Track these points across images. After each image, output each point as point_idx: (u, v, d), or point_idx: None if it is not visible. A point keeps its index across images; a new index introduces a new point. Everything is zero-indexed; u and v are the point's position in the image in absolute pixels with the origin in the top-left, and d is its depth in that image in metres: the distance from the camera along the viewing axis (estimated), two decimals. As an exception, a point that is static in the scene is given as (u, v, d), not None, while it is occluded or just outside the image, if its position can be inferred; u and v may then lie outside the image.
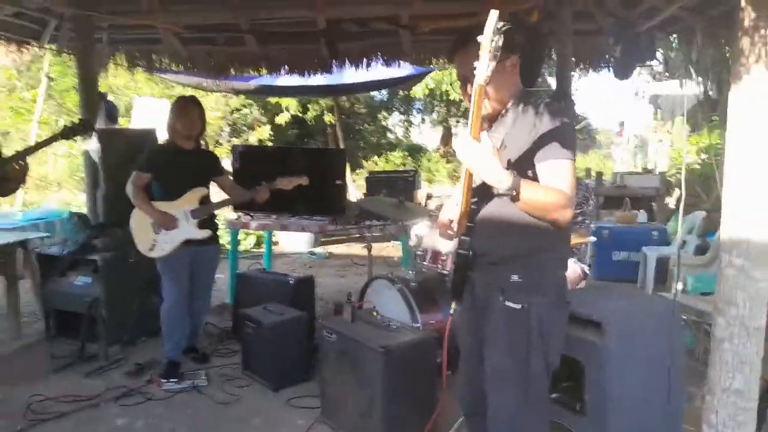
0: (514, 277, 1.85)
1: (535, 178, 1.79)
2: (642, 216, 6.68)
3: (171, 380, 3.48)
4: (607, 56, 4.91)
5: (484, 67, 1.56)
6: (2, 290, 4.50)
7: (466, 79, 1.84)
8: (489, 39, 1.52)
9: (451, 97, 13.22)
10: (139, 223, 3.57)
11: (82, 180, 11.67)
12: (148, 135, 4.54)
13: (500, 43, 1.54)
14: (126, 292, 4.08)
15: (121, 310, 4.04)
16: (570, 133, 1.81)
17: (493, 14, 1.51)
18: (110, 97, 5.37)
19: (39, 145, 3.48)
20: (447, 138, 16.58)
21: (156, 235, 3.53)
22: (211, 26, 4.90)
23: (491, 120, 1.94)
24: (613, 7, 4.20)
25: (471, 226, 1.89)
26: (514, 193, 1.69)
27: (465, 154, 1.68)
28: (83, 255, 4.09)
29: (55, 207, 7.24)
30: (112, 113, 4.96)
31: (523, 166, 1.80)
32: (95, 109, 4.71)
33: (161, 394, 3.38)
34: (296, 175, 3.69)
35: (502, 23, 1.53)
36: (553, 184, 1.75)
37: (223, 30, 4.91)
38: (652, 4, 3.53)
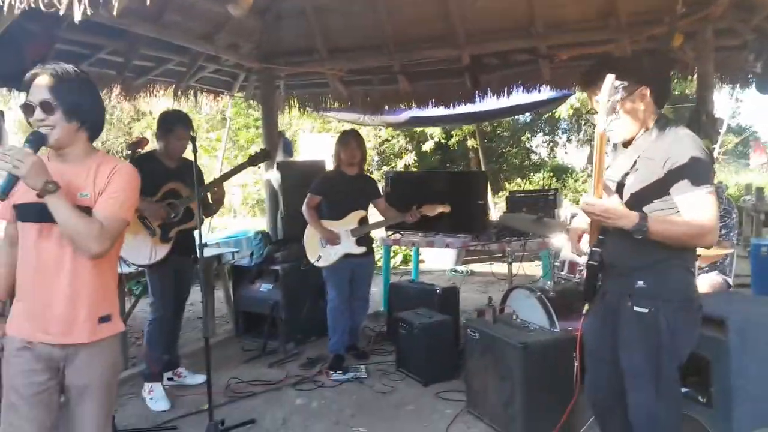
0: (640, 283, 2.03)
1: (665, 206, 1.97)
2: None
3: (337, 371, 4.08)
4: (748, 72, 4.79)
5: (602, 122, 1.81)
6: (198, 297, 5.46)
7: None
8: (606, 99, 1.78)
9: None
10: (310, 238, 4.27)
11: (254, 207, 13.35)
12: (318, 165, 5.32)
13: (618, 98, 1.79)
14: (300, 297, 4.80)
15: (296, 312, 4.77)
16: (705, 164, 1.93)
17: (609, 78, 1.76)
18: (286, 135, 6.32)
19: (232, 172, 4.13)
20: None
21: (322, 248, 4.21)
22: (368, 69, 5.64)
23: (626, 144, 2.15)
24: (759, 22, 4.16)
25: (602, 238, 2.10)
26: (643, 234, 1.89)
27: (594, 214, 1.94)
28: (267, 266, 4.92)
29: (240, 229, 8.49)
30: (288, 148, 5.90)
31: (653, 193, 1.99)
32: (275, 145, 5.63)
33: (330, 383, 3.97)
34: (440, 203, 4.18)
35: (618, 83, 1.78)
36: (694, 216, 1.89)
37: (379, 72, 5.64)
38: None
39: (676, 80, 5.22)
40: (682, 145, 1.97)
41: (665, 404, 2.06)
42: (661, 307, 2.00)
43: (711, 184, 1.93)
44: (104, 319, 1.97)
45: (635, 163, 2.07)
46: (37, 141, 1.84)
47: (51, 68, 1.88)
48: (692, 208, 1.91)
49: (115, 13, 1.88)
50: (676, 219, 1.95)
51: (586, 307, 2.28)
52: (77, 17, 1.87)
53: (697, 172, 1.91)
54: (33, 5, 1.88)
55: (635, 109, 2.05)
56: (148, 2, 1.93)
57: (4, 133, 3.13)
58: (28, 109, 1.87)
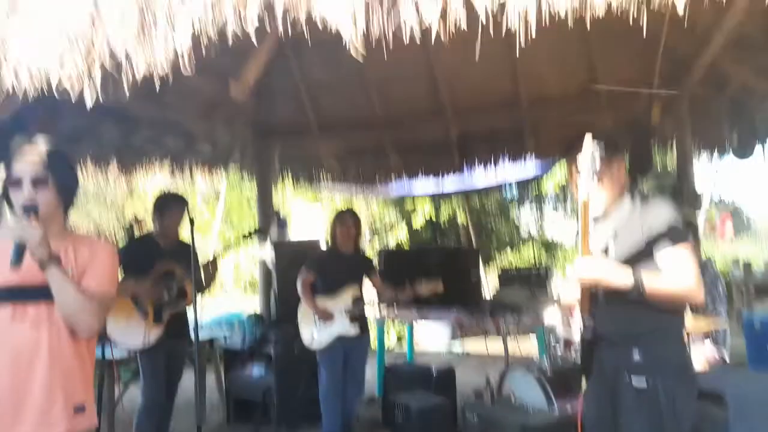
0: (636, 357, 2.04)
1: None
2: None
3: (333, 458, 3.95)
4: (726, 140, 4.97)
5: (584, 186, 1.91)
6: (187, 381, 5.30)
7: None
8: (589, 163, 1.88)
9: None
10: (305, 316, 4.23)
11: (246, 286, 13.23)
12: (313, 245, 5.36)
13: (597, 163, 1.89)
14: (293, 381, 4.66)
15: (289, 396, 4.63)
16: (681, 227, 2.01)
17: (587, 140, 1.87)
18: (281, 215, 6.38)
19: (227, 249, 4.22)
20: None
21: (316, 327, 4.16)
22: (360, 146, 5.86)
23: (603, 215, 2.21)
24: (732, 93, 4.36)
25: (593, 311, 2.10)
26: (639, 291, 1.91)
27: (583, 271, 1.98)
28: (260, 349, 4.83)
29: (232, 310, 8.35)
30: (283, 227, 5.94)
31: (636, 260, 2.02)
32: (270, 220, 5.69)
33: (326, 472, 3.84)
34: (434, 282, 4.22)
35: (598, 146, 1.89)
36: (680, 271, 1.96)
37: (371, 150, 5.85)
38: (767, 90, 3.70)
39: (656, 153, 5.38)
40: (659, 209, 2.06)
41: None
42: (659, 381, 2.00)
43: (688, 243, 1.99)
44: (79, 409, 1.84)
45: (615, 234, 2.13)
46: (33, 211, 1.77)
47: (43, 143, 1.85)
48: (676, 264, 1.97)
49: (127, 98, 1.97)
50: (665, 275, 1.99)
51: (584, 385, 2.24)
52: (89, 104, 1.96)
53: (676, 232, 1.99)
54: (46, 92, 1.96)
55: (613, 179, 2.15)
56: (156, 88, 2.02)
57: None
58: (15, 183, 1.81)
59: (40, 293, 1.78)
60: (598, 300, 2.12)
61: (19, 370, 1.76)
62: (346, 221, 4.31)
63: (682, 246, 1.98)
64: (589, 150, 1.88)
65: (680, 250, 1.98)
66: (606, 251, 2.14)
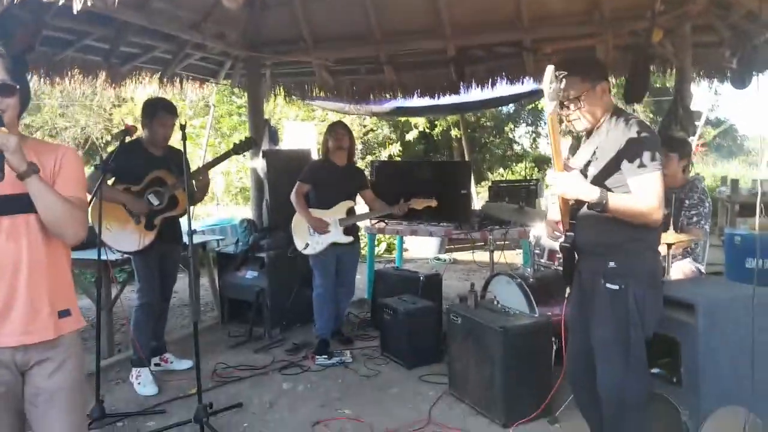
0: (611, 264, 2.24)
1: (621, 183, 2.18)
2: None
3: (323, 356, 4.17)
4: (725, 67, 4.93)
5: (548, 106, 2.03)
6: (184, 284, 5.50)
7: (564, 103, 2.29)
8: (547, 87, 1.99)
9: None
10: (298, 226, 4.33)
11: (237, 195, 13.31)
12: (304, 154, 5.37)
13: (562, 86, 1.99)
14: (286, 284, 4.87)
15: (282, 299, 4.84)
16: (654, 146, 2.17)
17: (549, 69, 1.98)
18: (272, 124, 6.33)
19: (217, 160, 4.08)
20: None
21: (310, 237, 4.27)
22: (355, 59, 5.68)
23: (588, 133, 2.38)
24: (736, 20, 4.29)
25: (573, 223, 2.34)
26: (601, 208, 2.12)
27: (557, 186, 2.18)
28: (252, 253, 4.97)
29: (224, 216, 8.50)
30: (274, 137, 5.91)
31: (611, 172, 2.21)
32: (261, 133, 5.66)
33: (315, 367, 4.07)
34: (428, 197, 4.30)
35: (559, 73, 1.99)
36: (642, 196, 2.14)
37: (366, 62, 5.68)
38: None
39: (656, 74, 5.34)
40: (631, 132, 2.19)
41: (633, 375, 2.23)
42: (630, 284, 2.20)
43: (658, 168, 2.14)
44: (64, 313, 1.85)
45: (594, 152, 2.29)
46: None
47: (1, 48, 1.77)
48: (640, 188, 2.14)
49: (116, 5, 1.91)
50: (629, 196, 2.17)
51: (568, 290, 2.51)
52: (76, 8, 1.89)
53: (644, 154, 2.14)
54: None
55: (596, 102, 2.28)
56: None
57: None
58: None
59: (13, 205, 1.74)
60: (577, 216, 2.32)
61: (1, 283, 1.75)
62: (339, 133, 4.32)
63: (646, 171, 2.14)
64: (549, 71, 1.98)
65: (645, 175, 2.14)
66: (587, 167, 2.30)
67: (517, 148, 17.64)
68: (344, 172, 4.36)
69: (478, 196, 11.25)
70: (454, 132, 13.77)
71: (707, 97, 12.81)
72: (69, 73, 5.01)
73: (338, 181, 4.31)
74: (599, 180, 2.24)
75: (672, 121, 4.48)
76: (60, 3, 1.90)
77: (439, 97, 6.07)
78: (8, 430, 1.81)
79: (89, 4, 1.88)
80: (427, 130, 13.71)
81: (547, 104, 2.02)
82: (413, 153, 14.36)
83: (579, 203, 2.31)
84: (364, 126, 13.62)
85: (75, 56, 4.87)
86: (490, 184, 8.00)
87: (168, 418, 3.30)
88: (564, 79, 1.99)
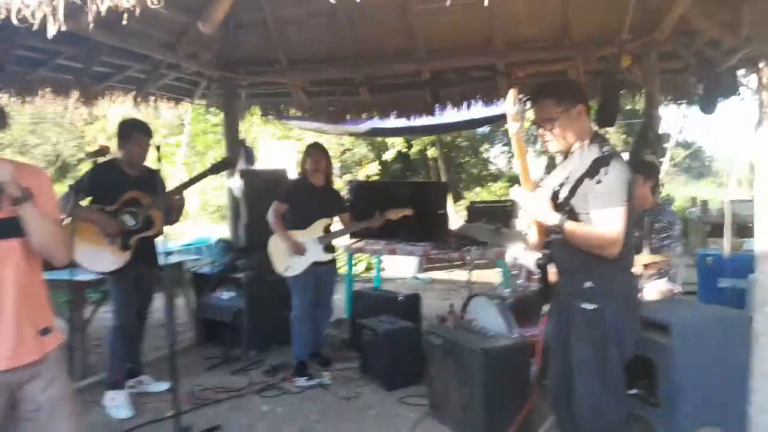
0: (588, 284, 2.25)
1: (586, 219, 2.21)
2: (750, 243, 6.54)
3: (302, 378, 4.13)
4: (692, 93, 5.11)
5: (512, 127, 2.08)
6: (160, 304, 5.41)
7: (539, 125, 2.35)
8: (510, 109, 2.05)
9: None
10: (277, 248, 4.29)
11: (213, 213, 13.18)
12: (280, 174, 5.37)
13: (525, 107, 2.08)
14: (263, 305, 4.81)
15: (259, 320, 4.78)
16: (623, 185, 2.17)
17: (510, 93, 2.05)
18: (247, 143, 6.31)
19: (193, 180, 4.03)
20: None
21: (290, 258, 4.24)
22: (331, 81, 5.72)
23: (564, 155, 2.39)
24: (699, 47, 4.44)
25: (548, 241, 2.35)
26: (560, 230, 2.17)
27: (522, 203, 2.24)
28: (229, 273, 4.92)
29: (199, 236, 8.39)
30: (250, 156, 5.89)
31: (578, 205, 2.24)
32: (237, 153, 5.63)
33: (294, 389, 4.02)
34: (402, 208, 4.35)
35: (522, 96, 2.10)
36: (602, 229, 2.16)
37: (341, 84, 5.72)
38: (732, 45, 3.78)
39: (627, 98, 5.50)
40: (607, 168, 2.19)
41: (610, 395, 2.24)
42: (606, 305, 2.22)
43: (625, 202, 2.16)
44: (45, 331, 1.91)
45: (568, 176, 2.31)
46: None
47: None
48: (602, 222, 2.17)
49: (90, 28, 1.90)
50: (587, 227, 2.20)
51: (546, 308, 2.53)
52: (51, 32, 1.88)
53: (613, 193, 2.15)
54: (2, 18, 1.87)
55: (569, 125, 2.30)
56: (124, 20, 1.95)
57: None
58: None
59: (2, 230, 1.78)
60: (551, 236, 2.34)
61: None
62: (316, 156, 4.34)
63: (615, 207, 2.15)
64: (511, 94, 2.05)
65: (607, 210, 2.16)
66: (560, 190, 2.33)
67: (492, 168, 17.88)
68: (322, 192, 4.37)
69: (456, 215, 11.34)
70: (430, 152, 13.90)
71: (676, 119, 13.21)
72: (40, 91, 4.93)
73: (316, 200, 4.31)
74: (568, 202, 2.27)
75: (642, 145, 4.60)
76: (34, 28, 1.87)
77: (414, 119, 6.14)
78: None
79: (63, 29, 1.87)
80: (405, 150, 13.81)
81: (511, 125, 2.07)
82: (391, 173, 14.43)
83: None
84: (342, 145, 13.66)
85: (47, 75, 4.80)
86: (467, 203, 8.07)
87: (144, 442, 3.23)
88: (528, 102, 2.09)
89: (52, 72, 4.76)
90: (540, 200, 2.22)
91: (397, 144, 13.31)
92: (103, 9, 1.91)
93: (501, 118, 7.56)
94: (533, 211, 2.23)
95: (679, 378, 2.40)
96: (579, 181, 2.24)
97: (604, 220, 2.17)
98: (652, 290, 3.44)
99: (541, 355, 2.55)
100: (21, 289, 1.84)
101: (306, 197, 4.29)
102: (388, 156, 13.54)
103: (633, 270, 2.37)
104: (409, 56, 5.20)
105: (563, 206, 2.26)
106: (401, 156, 14.23)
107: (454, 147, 16.47)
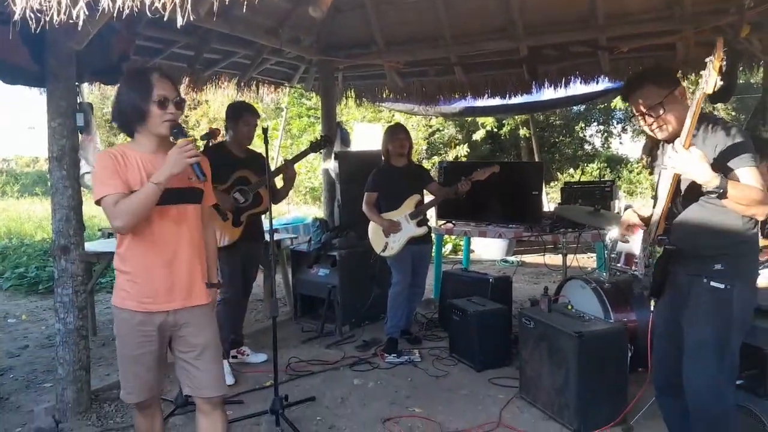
0: (718, 266, 2.17)
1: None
2: None
3: (392, 354, 4.24)
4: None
5: (711, 80, 1.97)
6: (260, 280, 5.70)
7: (642, 113, 2.25)
8: (714, 58, 1.95)
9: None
10: (374, 232, 4.42)
11: (306, 195, 13.65)
12: (374, 155, 5.45)
13: (725, 62, 1.96)
14: (356, 283, 4.98)
15: (352, 296, 4.95)
16: (750, 145, 2.12)
17: (720, 39, 1.96)
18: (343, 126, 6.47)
19: (296, 158, 4.26)
20: (650, 148, 15.65)
21: (387, 238, 4.35)
22: (425, 61, 5.73)
23: (669, 140, 2.26)
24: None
25: (668, 226, 2.26)
26: (722, 191, 2.02)
27: (677, 160, 2.06)
28: (325, 251, 5.11)
29: (295, 215, 8.76)
30: (346, 139, 6.05)
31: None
32: (333, 135, 5.80)
33: (385, 365, 4.14)
34: (489, 167, 4.19)
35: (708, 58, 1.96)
36: (755, 185, 2.06)
37: (436, 64, 5.71)
38: None
39: (742, 70, 5.06)
40: (728, 131, 2.15)
41: (726, 376, 2.17)
42: (737, 284, 2.14)
43: (756, 161, 2.10)
44: (209, 285, 2.31)
45: None
46: (183, 131, 2.15)
47: (164, 70, 2.20)
48: (748, 178, 2.08)
49: (215, 17, 2.03)
50: (743, 184, 2.08)
51: (653, 303, 2.44)
52: (180, 21, 2.04)
53: (748, 152, 2.10)
54: (138, 9, 2.05)
55: (676, 108, 2.22)
56: (243, 8, 2.07)
57: (93, 125, 3.39)
58: (163, 103, 2.10)
59: (181, 196, 2.18)
60: (678, 216, 2.25)
61: (171, 258, 2.17)
62: (398, 135, 4.39)
63: (750, 167, 2.09)
64: (720, 49, 1.98)
65: (749, 170, 2.09)
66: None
67: (588, 147, 17.15)
68: (407, 171, 4.43)
69: (548, 197, 11.03)
70: (522, 131, 13.55)
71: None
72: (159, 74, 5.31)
73: (402, 181, 4.38)
74: (697, 184, 2.14)
75: (759, 121, 4.25)
76: (165, 18, 2.04)
77: (509, 97, 6.02)
78: (159, 377, 2.28)
79: (192, 18, 2.02)
80: (495, 130, 13.56)
81: (709, 78, 1.99)
82: (480, 153, 14.24)
83: (678, 208, 2.25)
84: (430, 126, 13.63)
85: (162, 63, 5.17)
86: (561, 185, 7.82)
87: (245, 408, 3.45)
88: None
89: (166, 60, 5.12)
90: (699, 157, 2.03)
91: (487, 124, 13.07)
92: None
93: (601, 96, 7.27)
94: (691, 169, 2.04)
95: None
96: (714, 161, 2.12)
97: (750, 176, 2.08)
98: (764, 277, 3.22)
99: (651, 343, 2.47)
100: (193, 244, 2.21)
101: (392, 181, 4.37)
102: (477, 136, 13.34)
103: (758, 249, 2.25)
104: (506, 33, 5.08)
105: (692, 190, 2.17)
106: (491, 136, 13.98)
107: (547, 126, 15.95)
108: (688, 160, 2.04)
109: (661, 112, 2.21)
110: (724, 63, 1.92)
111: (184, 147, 2.07)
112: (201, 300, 2.25)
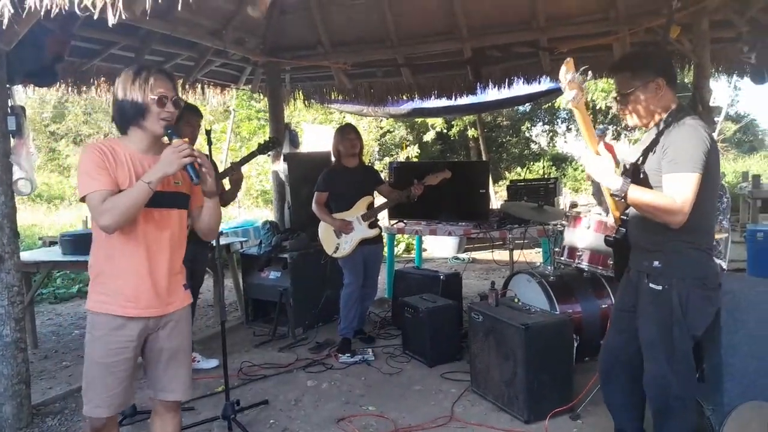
0: (656, 263, 2.22)
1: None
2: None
3: (346, 354, 4.25)
4: (744, 63, 4.92)
5: (567, 95, 2.02)
6: (209, 285, 5.60)
7: (616, 99, 2.32)
8: (563, 78, 2.00)
9: (598, 106, 13.12)
10: (325, 233, 4.41)
11: (257, 198, 13.46)
12: (324, 156, 5.45)
13: (582, 78, 2.00)
14: (308, 285, 4.94)
15: (305, 298, 4.92)
16: (695, 150, 2.08)
17: (566, 62, 1.99)
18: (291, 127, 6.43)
19: (244, 160, 4.16)
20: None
21: (338, 239, 4.35)
22: (372, 62, 5.76)
23: (637, 128, 2.37)
24: (753, 14, 4.28)
25: (624, 218, 2.35)
26: (621, 196, 2.11)
27: (586, 165, 2.19)
28: (276, 254, 5.06)
29: (245, 219, 8.64)
30: (295, 140, 6.02)
31: (655, 175, 2.18)
32: (282, 137, 5.76)
33: (339, 365, 4.14)
34: (441, 171, 4.27)
35: (584, 67, 2.03)
36: (669, 193, 2.09)
37: (383, 65, 5.76)
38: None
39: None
40: (681, 132, 2.14)
41: (678, 375, 2.23)
42: (674, 285, 2.18)
43: (698, 170, 2.07)
44: (186, 286, 2.26)
45: (649, 146, 2.26)
46: (177, 132, 2.11)
47: (165, 69, 2.18)
48: (669, 187, 2.09)
49: (148, 16, 2.00)
50: (651, 192, 2.13)
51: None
52: (111, 20, 1.99)
53: (684, 157, 2.08)
54: (67, 8, 1.99)
55: (647, 99, 2.24)
56: (179, 7, 2.04)
57: (25, 128, 3.25)
58: (161, 101, 2.06)
59: (165, 200, 2.11)
60: (628, 213, 2.32)
61: (151, 263, 2.11)
62: (348, 135, 4.40)
63: (679, 173, 2.08)
64: (564, 68, 2.00)
65: (677, 174, 2.09)
66: (643, 163, 2.28)
67: (534, 146, 17.59)
68: (357, 172, 4.44)
69: (496, 196, 11.27)
70: (471, 132, 13.80)
71: (727, 92, 12.69)
72: (95, 81, 5.17)
73: (353, 182, 4.38)
74: (647, 176, 2.22)
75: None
76: (95, 17, 1.99)
77: (456, 98, 6.13)
78: (128, 393, 2.18)
79: (123, 17, 1.97)
80: (444, 131, 13.76)
81: (567, 93, 2.02)
82: (430, 154, 14.40)
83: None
84: (381, 128, 13.71)
85: (101, 65, 5.02)
86: (508, 183, 8.01)
87: (196, 414, 3.39)
88: (586, 72, 2.02)
89: (105, 62, 4.96)
90: (603, 163, 2.13)
91: (436, 125, 13.26)
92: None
93: (544, 95, 7.50)
94: (596, 173, 2.15)
95: (725, 353, 2.38)
96: (658, 153, 2.17)
97: (672, 184, 2.09)
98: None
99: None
100: (173, 251, 2.16)
101: (343, 181, 4.37)
102: (428, 137, 13.51)
103: (708, 249, 2.26)
104: (451, 35, 5.19)
105: (644, 181, 2.21)
106: (441, 137, 14.18)
107: (494, 127, 16.29)
108: (590, 164, 2.15)
109: (630, 100, 2.24)
110: (573, 77, 1.96)
111: (179, 147, 2.00)
112: (181, 304, 2.23)
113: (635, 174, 2.27)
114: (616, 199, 2.17)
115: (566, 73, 1.99)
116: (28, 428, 3.24)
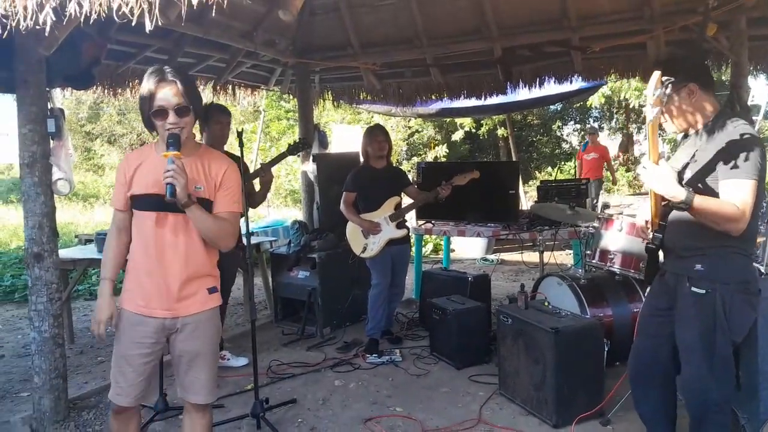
0: (698, 266, 2.19)
1: (716, 191, 2.12)
2: None
3: (373, 354, 4.26)
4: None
5: (650, 112, 1.99)
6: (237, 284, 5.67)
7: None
8: (651, 93, 1.96)
9: (631, 105, 12.88)
10: (353, 233, 4.43)
11: (286, 197, 13.62)
12: (352, 157, 5.47)
13: (667, 92, 1.96)
14: (336, 284, 4.97)
15: (333, 298, 4.95)
16: (757, 157, 2.07)
17: (655, 75, 1.95)
18: (320, 128, 6.48)
19: (274, 161, 4.28)
20: (626, 145, 15.93)
21: (366, 239, 4.36)
22: (401, 63, 5.76)
23: (686, 135, 2.32)
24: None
25: (663, 224, 2.31)
26: (687, 207, 2.05)
27: (646, 176, 2.11)
28: (304, 254, 5.10)
29: (275, 218, 8.74)
30: (324, 141, 6.06)
31: (706, 179, 2.15)
32: (311, 138, 5.80)
33: (366, 365, 4.15)
34: (469, 172, 4.25)
35: (666, 79, 1.97)
36: (729, 199, 2.06)
37: (412, 65, 5.75)
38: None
39: (711, 68, 5.18)
40: (733, 135, 2.12)
41: (717, 381, 2.19)
42: (718, 289, 2.15)
43: (756, 177, 2.05)
44: (212, 290, 2.25)
45: (693, 155, 2.23)
46: (177, 142, 2.05)
47: (176, 74, 2.10)
48: (729, 193, 2.07)
49: (183, 22, 2.04)
50: (715, 200, 2.09)
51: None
52: (149, 26, 2.04)
53: (746, 164, 2.06)
54: (105, 15, 2.04)
55: (681, 104, 2.22)
56: (212, 12, 2.07)
57: (64, 130, 3.35)
58: (160, 113, 2.06)
59: (161, 204, 2.09)
60: (668, 217, 2.28)
61: (163, 266, 2.14)
62: (377, 137, 4.41)
63: (738, 179, 2.06)
64: (655, 77, 1.96)
65: (735, 180, 2.07)
66: (684, 170, 2.26)
67: (565, 146, 17.35)
68: (385, 173, 4.45)
69: (526, 196, 11.15)
70: (500, 131, 13.69)
71: (765, 90, 12.29)
72: (130, 83, 5.29)
73: (381, 183, 4.40)
74: (695, 182, 2.18)
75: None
76: (133, 23, 2.04)
77: (485, 98, 6.08)
78: (142, 382, 2.23)
79: (160, 23, 2.02)
80: (473, 130, 13.67)
81: (649, 110, 1.98)
82: (459, 153, 14.34)
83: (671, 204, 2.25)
84: (409, 128, 13.71)
85: (136, 68, 5.13)
86: (538, 183, 7.91)
87: (226, 412, 3.43)
88: (670, 85, 1.98)
89: (140, 65, 5.08)
90: (666, 174, 2.08)
91: (465, 124, 13.18)
92: (194, 2, 2.04)
93: (575, 95, 7.40)
94: (659, 185, 2.08)
95: (762, 361, 2.31)
96: (708, 158, 2.14)
97: (731, 190, 2.06)
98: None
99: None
100: (191, 255, 2.15)
101: (371, 182, 4.39)
102: (456, 137, 13.45)
103: (750, 254, 2.23)
104: (480, 34, 5.14)
105: (691, 186, 2.16)
106: (470, 136, 14.10)
107: (524, 126, 16.12)
108: (653, 176, 2.08)
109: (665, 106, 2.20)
110: (660, 94, 1.92)
111: (166, 164, 2.01)
112: (200, 307, 2.22)
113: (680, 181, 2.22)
114: (680, 208, 2.09)
115: (653, 88, 1.95)
116: (65, 422, 3.33)
